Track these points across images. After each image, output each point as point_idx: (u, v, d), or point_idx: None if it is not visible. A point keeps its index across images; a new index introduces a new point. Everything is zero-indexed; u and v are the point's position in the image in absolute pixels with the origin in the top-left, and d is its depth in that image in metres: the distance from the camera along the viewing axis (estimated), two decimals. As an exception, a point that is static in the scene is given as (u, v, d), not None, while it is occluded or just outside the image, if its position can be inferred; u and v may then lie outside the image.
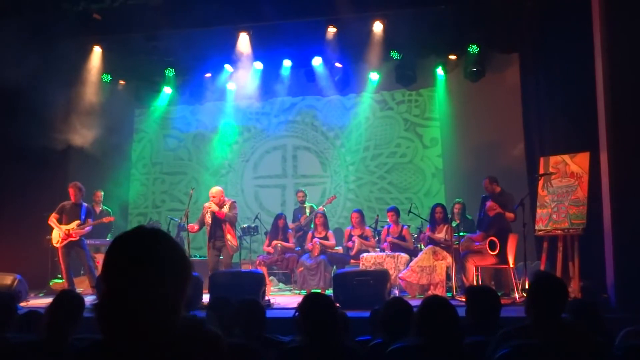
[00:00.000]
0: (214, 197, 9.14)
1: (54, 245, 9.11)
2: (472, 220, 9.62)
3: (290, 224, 10.62)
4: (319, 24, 10.38)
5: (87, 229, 9.12)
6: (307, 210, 10.59)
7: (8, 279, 8.42)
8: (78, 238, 9.02)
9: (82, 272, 10.07)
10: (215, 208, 9.07)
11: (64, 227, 8.99)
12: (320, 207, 10.51)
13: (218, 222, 9.15)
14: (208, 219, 9.17)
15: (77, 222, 9.03)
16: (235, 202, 9.46)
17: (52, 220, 9.07)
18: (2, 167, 10.01)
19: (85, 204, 9.26)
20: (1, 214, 9.87)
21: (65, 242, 8.99)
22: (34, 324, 4.13)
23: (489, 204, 8.49)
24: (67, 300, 3.71)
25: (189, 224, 9.27)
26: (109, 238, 10.63)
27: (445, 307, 3.21)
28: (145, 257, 1.61)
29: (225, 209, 9.11)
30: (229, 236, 9.09)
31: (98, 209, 10.82)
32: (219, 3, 9.46)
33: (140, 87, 12.21)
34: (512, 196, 8.69)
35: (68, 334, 3.58)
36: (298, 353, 3.33)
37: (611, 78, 7.16)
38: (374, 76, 11.57)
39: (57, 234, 9.03)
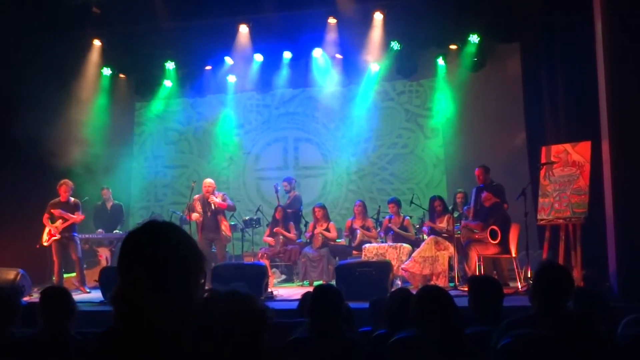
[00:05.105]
0: (210, 187, 9.41)
1: (42, 244, 9.17)
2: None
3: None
4: (319, 15, 10.36)
5: (66, 224, 9.13)
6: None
7: (11, 274, 8.44)
8: (60, 237, 9.06)
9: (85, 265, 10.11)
10: (217, 200, 9.23)
11: (53, 225, 9.09)
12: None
13: (213, 213, 9.30)
14: (199, 208, 9.32)
15: (61, 221, 9.09)
16: (225, 194, 9.73)
17: (46, 220, 9.15)
18: (4, 162, 10.00)
19: (72, 199, 9.29)
20: (4, 208, 9.88)
21: (50, 241, 9.08)
22: (34, 317, 4.14)
23: (484, 195, 8.48)
24: (54, 296, 3.72)
25: (190, 214, 9.40)
26: (117, 231, 10.68)
27: (439, 297, 3.20)
28: (157, 250, 1.66)
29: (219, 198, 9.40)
30: (223, 227, 9.34)
31: (109, 205, 10.87)
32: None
33: (140, 80, 12.21)
34: (503, 187, 8.69)
35: (67, 327, 3.60)
36: (303, 343, 3.35)
37: (612, 67, 7.13)
38: (374, 67, 11.54)
39: (45, 234, 9.12)
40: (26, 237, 9.69)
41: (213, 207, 9.35)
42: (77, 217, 9.26)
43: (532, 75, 9.69)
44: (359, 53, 10.95)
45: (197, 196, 9.58)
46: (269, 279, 8.49)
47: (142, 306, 1.62)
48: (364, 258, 8.91)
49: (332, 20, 10.42)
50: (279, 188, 10.63)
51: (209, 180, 9.59)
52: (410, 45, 10.73)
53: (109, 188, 10.99)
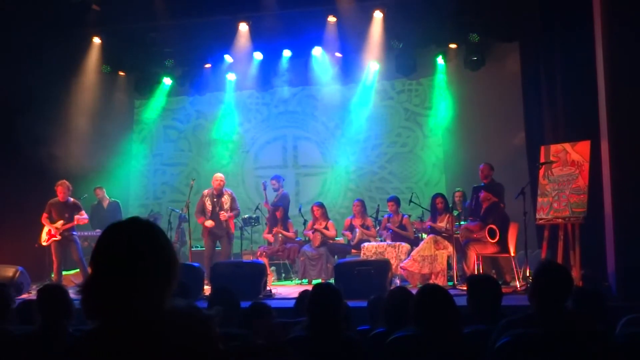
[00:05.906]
0: (222, 182, 9.58)
1: (41, 244, 9.16)
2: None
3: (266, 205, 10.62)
4: (319, 13, 10.37)
5: (67, 226, 9.12)
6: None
7: (10, 271, 8.44)
8: (60, 237, 9.05)
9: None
10: (227, 215, 9.42)
11: (54, 226, 9.09)
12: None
13: (220, 209, 9.36)
14: (209, 206, 9.35)
15: (61, 221, 9.08)
16: (233, 192, 9.87)
17: (44, 220, 9.14)
18: (3, 159, 9.99)
19: (71, 199, 9.27)
20: (4, 206, 9.87)
21: (50, 241, 9.07)
22: (32, 314, 4.15)
23: (482, 195, 8.48)
24: (51, 294, 3.73)
25: (203, 220, 9.48)
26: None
27: (439, 295, 3.19)
28: (131, 246, 1.66)
29: (227, 202, 9.50)
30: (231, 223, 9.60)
31: (106, 203, 10.84)
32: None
33: (140, 78, 12.19)
34: (502, 187, 8.69)
35: (64, 324, 3.60)
36: (301, 342, 3.34)
37: (612, 66, 7.13)
38: (374, 66, 11.53)
39: (45, 233, 9.11)
40: (25, 235, 9.69)
41: (223, 205, 9.44)
42: (83, 218, 9.28)
43: (532, 74, 9.68)
44: (358, 51, 10.95)
45: (206, 191, 9.61)
46: (267, 277, 8.49)
47: (108, 301, 1.61)
48: (362, 257, 8.92)
49: (331, 19, 10.42)
50: (267, 185, 10.63)
51: (219, 175, 9.67)
52: (409, 44, 10.73)
53: (102, 187, 10.97)
